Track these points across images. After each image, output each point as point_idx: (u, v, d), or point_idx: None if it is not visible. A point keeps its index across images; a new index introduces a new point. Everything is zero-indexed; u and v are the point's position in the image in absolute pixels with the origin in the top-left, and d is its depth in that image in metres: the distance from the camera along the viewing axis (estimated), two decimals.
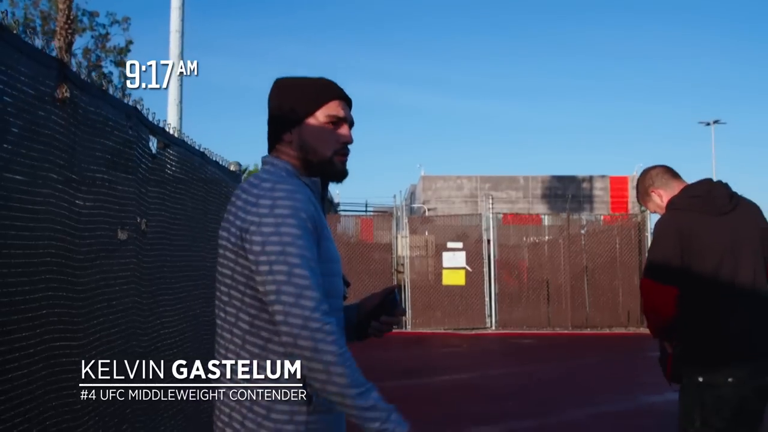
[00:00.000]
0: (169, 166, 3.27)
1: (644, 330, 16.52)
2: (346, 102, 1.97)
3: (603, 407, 7.65)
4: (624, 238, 16.63)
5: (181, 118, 10.32)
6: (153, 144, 3.08)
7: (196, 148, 3.75)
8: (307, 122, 1.91)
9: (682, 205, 3.08)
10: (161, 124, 3.26)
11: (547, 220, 16.96)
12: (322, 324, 1.66)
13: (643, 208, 16.48)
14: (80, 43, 27.17)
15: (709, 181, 3.16)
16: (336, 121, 1.93)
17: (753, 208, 3.14)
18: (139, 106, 2.95)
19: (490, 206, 16.38)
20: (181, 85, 10.46)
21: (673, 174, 3.24)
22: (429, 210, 35.48)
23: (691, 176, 3.32)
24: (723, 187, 3.14)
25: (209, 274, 4.20)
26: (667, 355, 3.13)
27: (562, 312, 16.69)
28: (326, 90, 1.95)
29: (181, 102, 10.44)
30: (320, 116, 1.91)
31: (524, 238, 18.37)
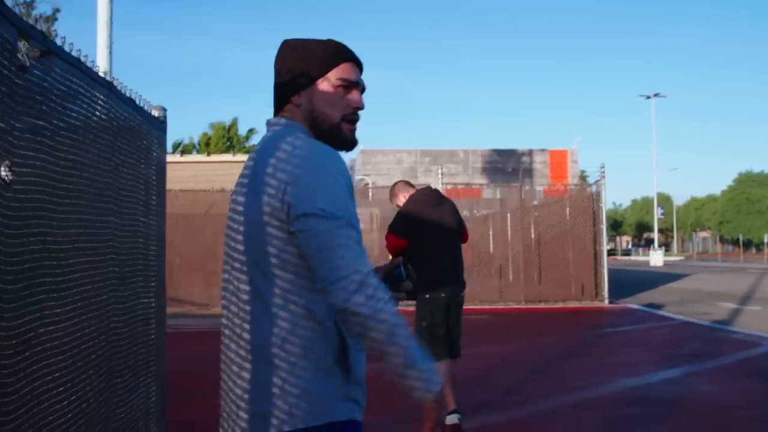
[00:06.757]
0: (55, 91, 2.24)
1: (599, 303, 16.04)
2: (358, 66, 1.90)
3: (581, 394, 6.88)
4: (576, 209, 16.06)
5: (111, 65, 8.76)
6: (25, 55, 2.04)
7: (100, 74, 2.72)
8: (317, 85, 1.84)
9: (413, 199, 5.60)
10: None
11: (498, 193, 16.22)
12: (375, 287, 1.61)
13: (593, 179, 16.09)
14: None
15: (428, 187, 5.88)
16: (347, 85, 1.85)
17: (452, 204, 5.73)
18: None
19: (440, 178, 15.54)
20: (110, 27, 8.84)
21: (410, 185, 5.79)
22: (369, 184, 34.58)
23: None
24: (435, 191, 5.81)
25: (123, 250, 3.17)
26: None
27: (513, 286, 16.10)
28: (338, 52, 1.86)
29: (111, 44, 8.85)
30: (332, 79, 1.84)
31: (471, 211, 17.71)
